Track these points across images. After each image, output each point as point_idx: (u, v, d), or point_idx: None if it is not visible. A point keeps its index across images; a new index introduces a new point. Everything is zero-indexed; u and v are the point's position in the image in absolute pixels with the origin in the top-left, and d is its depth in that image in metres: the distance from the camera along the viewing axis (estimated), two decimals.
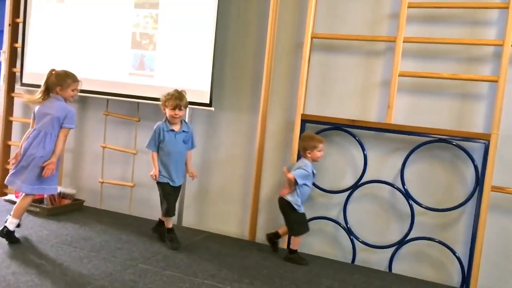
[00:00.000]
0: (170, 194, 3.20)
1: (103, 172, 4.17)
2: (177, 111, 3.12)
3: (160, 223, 3.39)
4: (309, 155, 3.14)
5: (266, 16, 3.56)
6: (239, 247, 3.35)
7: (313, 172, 3.17)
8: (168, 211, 3.20)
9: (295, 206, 3.12)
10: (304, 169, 3.11)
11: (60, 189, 3.90)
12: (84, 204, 4.07)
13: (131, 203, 4.11)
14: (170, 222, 3.27)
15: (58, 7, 4.08)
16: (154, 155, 3.22)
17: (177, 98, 3.13)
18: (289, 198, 3.13)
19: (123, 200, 4.16)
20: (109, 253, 2.96)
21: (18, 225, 3.10)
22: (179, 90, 3.23)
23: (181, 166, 3.26)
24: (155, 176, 3.18)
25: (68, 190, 3.97)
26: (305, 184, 3.12)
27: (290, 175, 3.09)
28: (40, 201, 3.81)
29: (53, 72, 3.11)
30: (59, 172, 3.25)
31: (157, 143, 3.20)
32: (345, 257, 3.42)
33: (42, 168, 2.99)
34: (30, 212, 3.65)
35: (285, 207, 3.16)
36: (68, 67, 3.96)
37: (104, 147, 4.14)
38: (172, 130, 3.18)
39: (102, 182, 4.16)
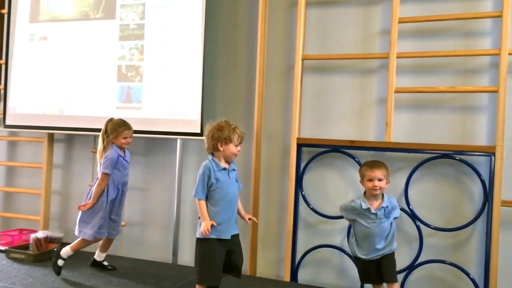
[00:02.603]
0: (215, 255, 2.48)
1: None
2: (239, 147, 2.62)
3: None
4: (363, 186, 2.62)
5: (254, 41, 3.49)
6: (240, 284, 3.12)
7: (369, 209, 2.54)
8: (205, 278, 2.49)
9: (352, 249, 2.63)
10: (350, 201, 2.63)
11: (46, 233, 3.70)
12: None
13: (123, 243, 3.89)
14: None
15: (41, 45, 3.99)
16: (203, 205, 2.50)
17: (240, 130, 2.60)
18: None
19: (114, 240, 3.92)
20: None
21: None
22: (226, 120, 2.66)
23: (236, 211, 2.62)
24: (208, 230, 2.44)
25: (55, 234, 3.74)
26: (356, 221, 2.59)
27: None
28: (25, 247, 3.59)
29: (109, 121, 3.19)
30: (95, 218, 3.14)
31: (206, 189, 2.53)
32: (353, 287, 3.21)
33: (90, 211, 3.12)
34: (15, 259, 3.43)
35: None
36: (53, 105, 3.91)
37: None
38: (225, 169, 2.56)
39: None
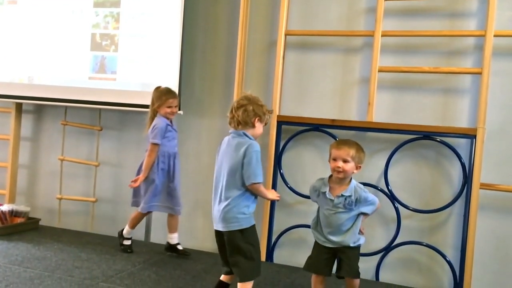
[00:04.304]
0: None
1: (61, 187, 3.80)
2: None
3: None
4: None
5: (236, 13, 3.36)
6: (213, 262, 3.05)
7: (325, 194, 2.24)
8: (259, 269, 2.26)
9: (311, 227, 2.37)
10: (316, 180, 2.36)
11: (11, 207, 3.54)
12: (40, 223, 3.68)
13: (93, 220, 3.74)
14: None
15: (10, 9, 3.76)
16: (263, 187, 2.24)
17: None
18: None
19: (84, 217, 3.80)
20: (66, 273, 2.60)
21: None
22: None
23: None
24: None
25: (21, 208, 3.58)
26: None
27: None
28: None
29: (155, 89, 3.06)
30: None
31: None
32: None
33: (143, 183, 2.99)
34: None
35: None
36: (22, 73, 3.71)
37: (62, 160, 3.79)
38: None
39: (60, 198, 3.79)
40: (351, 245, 2.23)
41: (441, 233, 3.01)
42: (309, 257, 2.33)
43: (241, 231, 2.17)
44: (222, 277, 2.36)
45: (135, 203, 3.10)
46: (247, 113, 2.20)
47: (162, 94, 3.01)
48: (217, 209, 2.23)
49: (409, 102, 3.08)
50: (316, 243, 2.33)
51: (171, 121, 3.06)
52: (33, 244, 3.11)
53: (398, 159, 3.07)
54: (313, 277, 2.32)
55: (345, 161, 2.18)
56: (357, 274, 2.26)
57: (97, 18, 3.52)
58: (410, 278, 3.04)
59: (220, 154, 2.31)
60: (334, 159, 2.20)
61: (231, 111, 2.25)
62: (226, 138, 2.32)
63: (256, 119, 2.23)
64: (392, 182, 3.05)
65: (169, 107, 2.99)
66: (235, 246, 2.18)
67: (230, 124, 2.27)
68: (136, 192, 3.08)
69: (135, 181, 2.98)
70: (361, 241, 2.28)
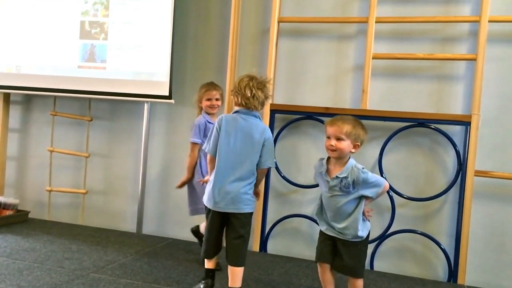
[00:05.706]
0: None
1: (51, 179, 3.74)
2: None
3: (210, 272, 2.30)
4: None
5: (229, 0, 3.30)
6: None
7: (321, 174, 2.08)
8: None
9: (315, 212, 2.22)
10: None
11: (0, 199, 3.47)
12: (29, 215, 3.62)
13: (84, 212, 3.68)
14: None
15: None
16: None
17: None
18: None
19: (75, 209, 3.74)
20: (55, 264, 2.55)
21: None
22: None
23: None
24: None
25: (10, 200, 3.52)
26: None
27: None
28: None
29: None
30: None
31: None
32: None
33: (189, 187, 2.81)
34: None
35: None
36: (9, 62, 3.63)
37: (51, 151, 3.72)
38: None
39: (50, 191, 3.72)
40: (358, 234, 2.01)
41: (435, 221, 2.99)
42: (317, 253, 2.16)
43: (250, 214, 2.18)
44: (209, 264, 2.27)
45: (193, 212, 2.80)
46: (265, 95, 2.18)
47: (203, 86, 2.83)
48: (231, 189, 2.11)
49: (403, 89, 3.05)
50: (320, 231, 2.17)
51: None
52: (22, 236, 3.05)
53: (392, 147, 3.04)
54: (319, 266, 2.14)
55: (338, 139, 1.99)
56: (359, 273, 2.05)
57: (86, 6, 3.44)
58: (404, 266, 3.02)
59: (229, 132, 2.14)
60: (328, 137, 2.03)
61: (251, 91, 2.13)
62: (231, 116, 2.19)
63: (267, 101, 2.24)
64: (386, 170, 3.02)
65: (209, 99, 2.76)
66: (243, 229, 2.15)
67: (246, 104, 2.15)
68: (189, 198, 2.81)
69: (179, 183, 2.80)
70: (365, 232, 2.05)
